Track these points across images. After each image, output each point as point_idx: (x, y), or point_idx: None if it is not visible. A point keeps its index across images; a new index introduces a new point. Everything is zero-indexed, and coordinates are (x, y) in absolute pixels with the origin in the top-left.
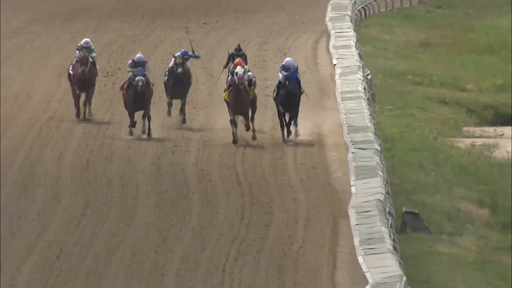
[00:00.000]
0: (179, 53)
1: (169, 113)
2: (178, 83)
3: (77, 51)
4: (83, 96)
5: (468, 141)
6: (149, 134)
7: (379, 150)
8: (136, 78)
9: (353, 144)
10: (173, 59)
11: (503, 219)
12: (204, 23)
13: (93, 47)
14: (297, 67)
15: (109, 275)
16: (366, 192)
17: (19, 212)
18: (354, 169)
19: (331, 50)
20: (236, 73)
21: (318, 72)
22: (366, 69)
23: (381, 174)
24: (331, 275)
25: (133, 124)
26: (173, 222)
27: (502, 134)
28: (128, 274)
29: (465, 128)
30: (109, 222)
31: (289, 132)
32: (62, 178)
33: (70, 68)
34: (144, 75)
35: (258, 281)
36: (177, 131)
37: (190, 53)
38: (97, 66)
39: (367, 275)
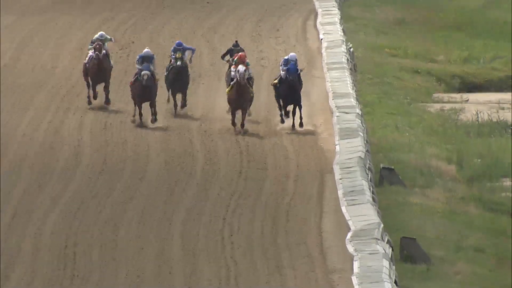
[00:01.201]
0: (175, 44)
1: (168, 100)
2: (178, 78)
3: (91, 44)
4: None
5: (438, 106)
6: (155, 120)
7: (360, 114)
8: (142, 73)
9: (337, 109)
10: (172, 55)
11: (468, 174)
12: (208, 2)
13: (108, 36)
14: (296, 60)
15: (123, 223)
16: (349, 151)
17: (46, 169)
18: (338, 130)
19: (318, 26)
20: (238, 71)
21: (307, 45)
22: (349, 43)
23: (362, 135)
24: (318, 224)
25: (140, 114)
26: (179, 177)
27: (467, 100)
28: (140, 223)
29: (435, 95)
30: (124, 177)
31: (300, 122)
32: (83, 139)
33: (86, 61)
34: (149, 70)
35: (254, 229)
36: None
37: (184, 45)
38: (111, 60)
39: (350, 223)
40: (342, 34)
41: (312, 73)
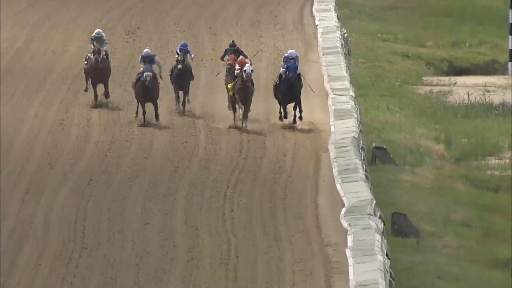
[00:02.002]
0: (179, 45)
1: (176, 101)
2: (181, 77)
3: (92, 42)
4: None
5: (427, 88)
6: (157, 118)
7: (353, 95)
8: (144, 74)
9: (332, 91)
10: (176, 55)
11: (455, 153)
12: None
13: (105, 37)
14: (296, 56)
15: (130, 198)
16: (343, 131)
17: (57, 146)
18: (333, 111)
19: (314, 13)
20: (245, 71)
21: (304, 31)
22: (343, 29)
23: (356, 116)
24: (314, 199)
25: (143, 112)
26: (183, 155)
27: (455, 83)
28: (146, 198)
29: (424, 78)
30: (131, 155)
31: (294, 121)
32: (92, 118)
33: (85, 62)
34: (151, 71)
35: (253, 204)
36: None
37: (189, 48)
38: (110, 61)
39: (344, 199)
40: (336, 20)
41: (308, 57)
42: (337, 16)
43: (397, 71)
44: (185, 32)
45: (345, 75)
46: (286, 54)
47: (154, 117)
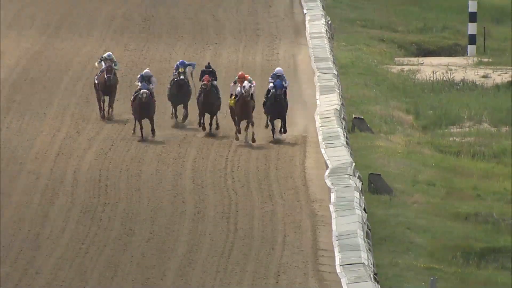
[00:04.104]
0: (177, 63)
1: (172, 115)
2: (180, 91)
3: (101, 61)
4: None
5: (399, 67)
6: (153, 134)
7: (336, 74)
8: (141, 91)
9: (318, 70)
10: (175, 70)
11: (422, 122)
12: None
13: (115, 59)
14: (283, 75)
15: (146, 161)
16: (327, 104)
17: (84, 116)
18: (319, 87)
19: (303, 3)
20: (244, 87)
21: (294, 19)
22: (327, 16)
23: (338, 91)
24: (302, 162)
25: (141, 128)
26: (190, 127)
27: (422, 63)
28: (159, 161)
29: (396, 59)
30: (146, 124)
31: (284, 131)
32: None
33: (95, 78)
34: (148, 89)
35: (251, 165)
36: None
37: (187, 62)
38: (117, 76)
39: (328, 162)
40: (322, 9)
41: (298, 41)
42: (322, 6)
43: (373, 53)
44: (192, 19)
45: (329, 56)
46: (274, 72)
47: (150, 132)
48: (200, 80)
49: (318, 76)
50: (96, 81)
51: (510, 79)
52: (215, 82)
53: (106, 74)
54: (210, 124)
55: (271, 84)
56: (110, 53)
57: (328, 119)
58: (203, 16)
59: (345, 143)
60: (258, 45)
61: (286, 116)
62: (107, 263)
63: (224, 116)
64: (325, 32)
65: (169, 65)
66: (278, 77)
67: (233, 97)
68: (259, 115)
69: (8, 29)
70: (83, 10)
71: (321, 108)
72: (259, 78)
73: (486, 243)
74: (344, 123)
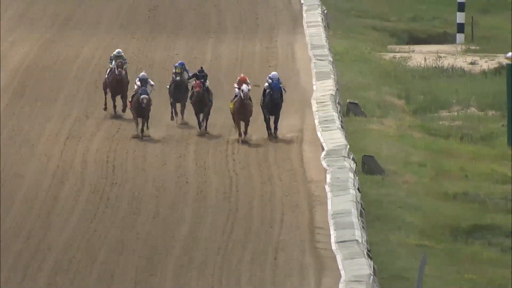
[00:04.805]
0: (177, 64)
1: (172, 118)
2: (178, 89)
3: (111, 61)
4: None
5: (391, 55)
6: (147, 128)
7: (332, 61)
8: (141, 97)
9: (314, 57)
10: (174, 69)
11: (413, 107)
12: None
13: (124, 57)
14: (279, 78)
15: (151, 143)
16: (323, 89)
17: (91, 102)
18: (315, 73)
19: None
20: (243, 90)
21: (291, 8)
22: (323, 6)
23: (333, 77)
24: (299, 144)
25: (137, 124)
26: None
27: (413, 50)
28: (164, 143)
29: (389, 46)
30: (152, 107)
31: (274, 130)
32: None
33: (106, 76)
34: (147, 93)
35: (250, 148)
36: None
37: (185, 66)
38: (127, 74)
39: (324, 144)
40: None
41: (295, 30)
42: None
43: (367, 41)
44: (196, 9)
45: (325, 44)
46: (270, 75)
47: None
48: (188, 80)
49: (314, 62)
50: (107, 79)
51: (497, 65)
52: (207, 83)
53: (117, 69)
54: (200, 124)
55: (267, 84)
56: (120, 50)
57: (324, 103)
58: (206, 7)
59: (340, 126)
60: (257, 34)
61: (279, 117)
62: (115, 241)
63: (224, 113)
64: (321, 21)
65: (173, 52)
66: (274, 81)
67: (233, 100)
68: (256, 114)
69: (20, 20)
70: (91, 1)
71: (317, 93)
72: (258, 65)
73: (474, 221)
74: (339, 108)
